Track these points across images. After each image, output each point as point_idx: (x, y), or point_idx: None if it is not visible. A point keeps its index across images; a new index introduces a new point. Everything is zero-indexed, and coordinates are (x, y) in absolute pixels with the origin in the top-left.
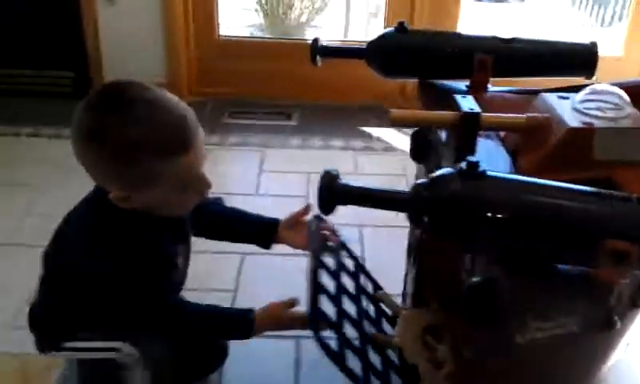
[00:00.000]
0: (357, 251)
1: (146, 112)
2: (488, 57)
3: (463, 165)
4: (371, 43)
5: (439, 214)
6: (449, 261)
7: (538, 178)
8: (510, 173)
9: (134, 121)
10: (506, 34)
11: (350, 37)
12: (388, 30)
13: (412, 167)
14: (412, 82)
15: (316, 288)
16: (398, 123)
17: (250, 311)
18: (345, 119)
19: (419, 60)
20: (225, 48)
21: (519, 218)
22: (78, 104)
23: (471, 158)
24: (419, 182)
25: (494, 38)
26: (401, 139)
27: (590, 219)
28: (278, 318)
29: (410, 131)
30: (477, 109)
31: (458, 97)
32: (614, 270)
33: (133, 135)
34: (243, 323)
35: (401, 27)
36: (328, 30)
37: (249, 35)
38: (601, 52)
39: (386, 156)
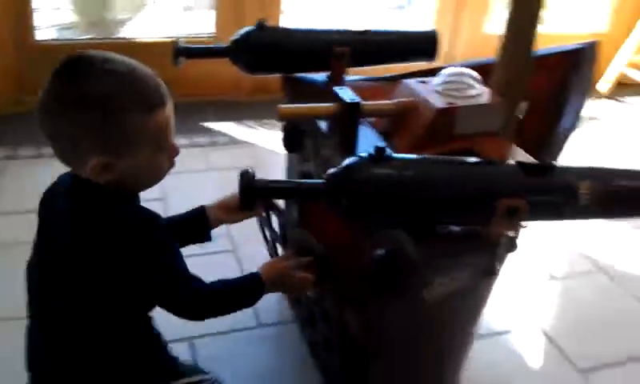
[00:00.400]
0: None
1: (124, 68)
2: (345, 48)
3: (371, 150)
4: (235, 42)
5: (357, 196)
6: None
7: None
8: None
9: (114, 78)
10: (357, 26)
11: (165, 33)
12: (249, 28)
13: (262, 158)
14: (248, 77)
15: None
16: (286, 117)
17: (254, 273)
18: (185, 116)
19: (282, 56)
20: (43, 52)
21: (426, 191)
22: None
23: (379, 144)
24: (333, 170)
25: (349, 31)
26: (243, 132)
27: (486, 183)
28: (282, 268)
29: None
30: (357, 99)
31: (337, 89)
32: (507, 224)
33: (115, 91)
34: (256, 286)
35: (261, 25)
36: (146, 27)
37: (67, 38)
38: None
39: (233, 149)
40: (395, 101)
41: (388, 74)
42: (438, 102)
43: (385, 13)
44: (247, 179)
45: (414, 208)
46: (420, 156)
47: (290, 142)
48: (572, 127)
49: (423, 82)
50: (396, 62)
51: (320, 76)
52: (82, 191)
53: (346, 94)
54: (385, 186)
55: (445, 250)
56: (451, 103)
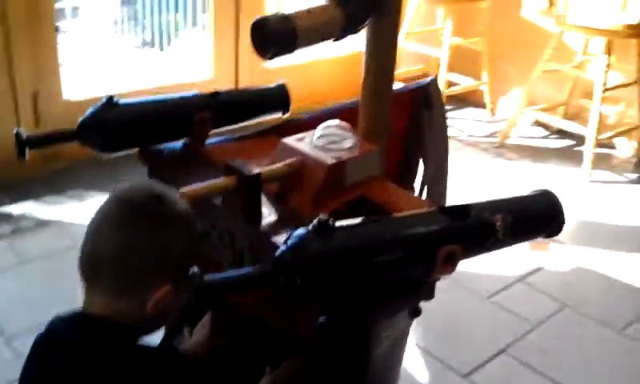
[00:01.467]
0: None
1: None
2: (206, 113)
3: (315, 224)
4: (83, 123)
5: (311, 273)
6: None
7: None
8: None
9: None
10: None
11: None
12: (97, 106)
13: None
14: None
15: None
16: (191, 199)
17: None
18: None
19: (138, 131)
20: None
21: (376, 255)
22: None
23: (322, 217)
24: (279, 252)
25: (202, 95)
26: (47, 210)
27: (424, 236)
28: None
29: None
30: (257, 170)
31: (237, 161)
32: (447, 269)
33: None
34: None
35: (110, 102)
36: None
37: None
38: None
39: (42, 233)
40: (287, 162)
41: (245, 133)
42: (327, 159)
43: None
44: (197, 281)
45: (366, 273)
46: (359, 221)
47: None
48: (442, 163)
49: (300, 140)
50: (252, 119)
51: (177, 144)
52: (107, 335)
53: (244, 166)
54: (337, 257)
55: (385, 304)
56: (337, 157)
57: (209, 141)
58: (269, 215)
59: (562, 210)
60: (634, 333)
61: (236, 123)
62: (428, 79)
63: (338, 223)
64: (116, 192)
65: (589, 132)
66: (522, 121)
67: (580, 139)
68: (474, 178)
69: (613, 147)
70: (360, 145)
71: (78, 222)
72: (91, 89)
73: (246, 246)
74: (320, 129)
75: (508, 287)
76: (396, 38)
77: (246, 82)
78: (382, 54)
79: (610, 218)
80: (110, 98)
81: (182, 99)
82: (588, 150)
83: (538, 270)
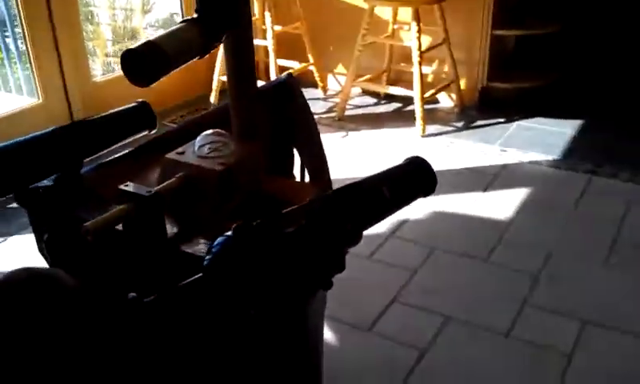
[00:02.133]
0: None
1: None
2: (75, 144)
3: (231, 232)
4: None
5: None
6: None
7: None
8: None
9: None
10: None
11: None
12: None
13: None
14: None
15: None
16: (99, 233)
17: None
18: None
19: (9, 175)
20: None
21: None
22: None
23: (238, 224)
24: (205, 262)
25: (65, 127)
26: None
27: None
28: None
29: None
30: (152, 190)
31: (132, 186)
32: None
33: None
34: None
35: None
36: None
37: None
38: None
39: None
40: (177, 176)
41: (110, 158)
42: (215, 166)
43: None
44: (134, 304)
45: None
46: (270, 220)
47: (58, 255)
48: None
49: (182, 153)
50: (118, 142)
51: (51, 179)
52: None
53: (139, 189)
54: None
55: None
56: (223, 164)
57: (83, 170)
58: (171, 230)
59: (433, 171)
60: (497, 258)
61: (105, 149)
62: (285, 74)
63: (254, 226)
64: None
65: (415, 93)
66: (353, 93)
67: (405, 100)
68: (328, 152)
69: (436, 102)
70: (240, 147)
71: None
72: None
73: (155, 265)
74: (199, 139)
75: (383, 244)
76: (252, 43)
77: (77, 100)
78: (243, 61)
79: (448, 165)
80: None
81: (48, 135)
82: (417, 108)
83: (404, 223)
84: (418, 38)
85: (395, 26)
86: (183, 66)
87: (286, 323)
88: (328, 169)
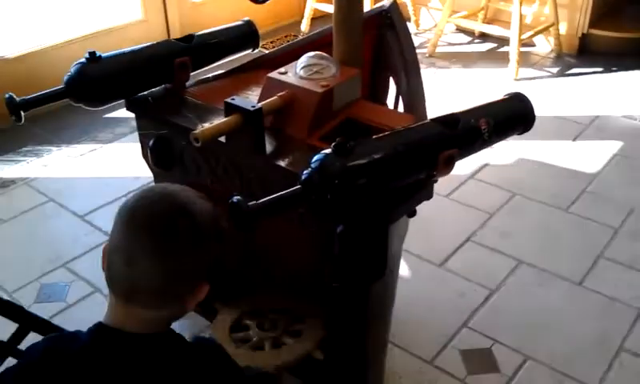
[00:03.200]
0: None
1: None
2: (186, 58)
3: (334, 146)
4: (70, 81)
5: (339, 188)
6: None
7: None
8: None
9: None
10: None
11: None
12: (80, 62)
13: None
14: None
15: None
16: (207, 139)
17: None
18: None
19: (123, 82)
20: None
21: (391, 164)
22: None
23: (339, 139)
24: (305, 175)
25: (174, 41)
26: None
27: (429, 143)
28: None
29: None
30: (257, 105)
31: (237, 100)
32: (447, 169)
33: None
34: None
35: (93, 56)
36: None
37: None
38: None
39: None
40: (280, 95)
41: (220, 71)
42: (317, 88)
43: None
44: (237, 206)
45: (384, 182)
46: (370, 138)
47: (161, 159)
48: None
49: (285, 73)
50: (226, 57)
51: (159, 89)
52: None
53: (245, 103)
54: (360, 171)
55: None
56: (325, 85)
57: (190, 83)
58: (269, 144)
59: (532, 108)
60: (578, 210)
61: (211, 64)
62: (388, 2)
63: (354, 143)
64: (134, 210)
65: (512, 33)
66: (446, 29)
67: (501, 41)
68: None
69: (532, 45)
70: (342, 71)
71: (43, 177)
72: (22, 43)
73: (252, 175)
74: (302, 60)
75: (462, 185)
76: None
77: (175, 19)
78: None
79: (540, 111)
80: (93, 53)
81: (160, 46)
82: (513, 50)
83: (485, 166)
84: None
85: None
86: None
87: (372, 240)
88: (424, 101)
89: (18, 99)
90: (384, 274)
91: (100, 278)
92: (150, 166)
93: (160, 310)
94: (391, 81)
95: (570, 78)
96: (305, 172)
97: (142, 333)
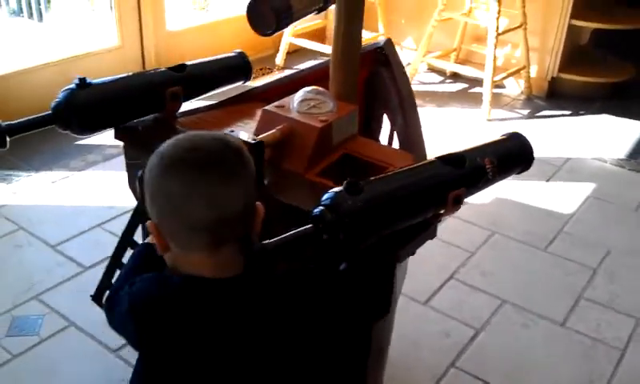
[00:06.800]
0: None
1: None
2: (178, 88)
3: (345, 184)
4: (58, 107)
5: (351, 227)
6: None
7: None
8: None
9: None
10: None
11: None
12: (70, 88)
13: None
14: None
15: None
16: None
17: None
18: None
19: (112, 110)
20: None
21: (400, 204)
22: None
23: (350, 179)
24: (316, 213)
25: (167, 71)
26: None
27: (436, 182)
28: None
29: None
30: (258, 138)
31: (237, 132)
32: (454, 209)
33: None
34: None
35: (83, 83)
36: None
37: None
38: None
39: None
40: (279, 128)
41: (210, 103)
42: (317, 122)
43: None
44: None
45: (393, 220)
46: (380, 177)
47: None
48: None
49: (282, 107)
50: (218, 88)
51: (149, 118)
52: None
53: (244, 136)
54: (372, 210)
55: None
56: (324, 121)
57: (181, 112)
58: (268, 178)
59: (532, 147)
60: (556, 249)
61: (202, 94)
62: (383, 39)
63: (363, 182)
64: (186, 155)
65: (486, 75)
66: (420, 68)
67: (472, 81)
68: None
69: (502, 87)
70: (339, 107)
71: (12, 204)
72: None
73: None
74: (299, 95)
75: (442, 222)
76: (363, 5)
77: (151, 46)
78: (352, 21)
79: None
80: (82, 80)
81: (152, 75)
82: (487, 91)
83: (465, 204)
84: (497, 19)
85: (472, 5)
86: (304, 16)
87: (380, 279)
88: (423, 138)
89: (3, 124)
90: (389, 312)
91: (75, 311)
92: (136, 196)
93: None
94: (385, 118)
95: (540, 119)
96: (316, 210)
97: (232, 276)
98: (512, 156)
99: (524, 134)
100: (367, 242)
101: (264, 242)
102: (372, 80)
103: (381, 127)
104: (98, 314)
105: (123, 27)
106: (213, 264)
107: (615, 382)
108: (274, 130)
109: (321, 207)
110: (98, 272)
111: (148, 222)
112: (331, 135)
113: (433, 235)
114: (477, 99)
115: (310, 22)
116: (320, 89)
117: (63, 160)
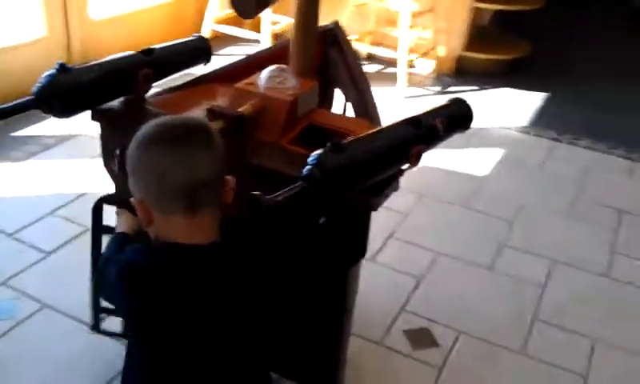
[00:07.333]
0: None
1: None
2: (149, 70)
3: (329, 146)
4: (40, 92)
5: (337, 180)
6: None
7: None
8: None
9: None
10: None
11: None
12: (51, 73)
13: None
14: None
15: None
16: None
17: None
18: None
19: (92, 93)
20: None
21: (376, 159)
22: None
23: (335, 140)
24: (306, 171)
25: (137, 54)
26: None
27: (402, 140)
28: None
29: None
30: (239, 112)
31: (219, 107)
32: (416, 162)
33: None
34: None
35: (62, 68)
36: None
37: None
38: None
39: None
40: (251, 103)
41: (181, 82)
42: (286, 96)
43: None
44: (258, 201)
45: (372, 173)
46: (358, 138)
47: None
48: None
49: (251, 84)
50: (182, 70)
51: (121, 100)
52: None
53: (227, 110)
54: (354, 165)
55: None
56: (291, 95)
57: (151, 93)
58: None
59: (472, 110)
60: (478, 206)
61: (169, 76)
62: (332, 23)
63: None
64: (165, 132)
65: (400, 55)
66: None
67: (386, 62)
68: None
69: (413, 66)
70: (302, 83)
71: None
72: None
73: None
74: (265, 73)
75: None
76: None
77: (77, 36)
78: (312, 4)
79: None
80: (62, 65)
81: (124, 59)
82: (402, 70)
83: None
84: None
85: None
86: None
87: (358, 226)
88: (376, 107)
89: None
90: (364, 255)
91: (46, 293)
92: (112, 174)
93: (216, 207)
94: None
95: (450, 95)
96: (305, 169)
97: (211, 243)
98: (456, 117)
99: (465, 99)
100: (350, 192)
101: (267, 196)
102: (324, 59)
103: (332, 100)
104: (70, 294)
105: (49, 18)
106: (191, 228)
107: (540, 313)
108: (246, 105)
109: (309, 166)
110: (61, 256)
111: (133, 200)
112: (297, 108)
113: (397, 188)
114: (392, 78)
115: (229, 9)
116: (283, 66)
117: (3, 151)
